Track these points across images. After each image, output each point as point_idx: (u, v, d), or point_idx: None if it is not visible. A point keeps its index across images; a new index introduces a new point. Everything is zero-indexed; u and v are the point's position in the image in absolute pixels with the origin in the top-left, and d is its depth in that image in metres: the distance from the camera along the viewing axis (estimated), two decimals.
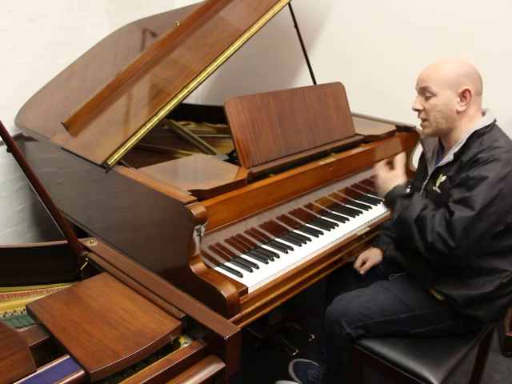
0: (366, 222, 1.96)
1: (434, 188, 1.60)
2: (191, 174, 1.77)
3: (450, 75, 1.49)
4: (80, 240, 1.22)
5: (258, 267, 1.59)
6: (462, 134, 1.53)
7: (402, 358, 1.51)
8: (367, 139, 2.23)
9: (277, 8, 2.01)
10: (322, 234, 1.84)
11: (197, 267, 1.47)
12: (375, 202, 2.15)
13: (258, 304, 1.50)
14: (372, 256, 1.83)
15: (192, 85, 1.80)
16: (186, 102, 1.96)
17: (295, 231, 1.86)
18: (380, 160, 2.23)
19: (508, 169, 1.41)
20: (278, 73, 3.10)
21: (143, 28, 2.52)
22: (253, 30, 1.93)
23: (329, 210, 2.02)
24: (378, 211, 2.07)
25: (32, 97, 2.52)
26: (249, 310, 1.47)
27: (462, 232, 1.40)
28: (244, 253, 1.68)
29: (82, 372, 0.85)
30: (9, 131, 1.02)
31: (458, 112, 1.52)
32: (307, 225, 1.91)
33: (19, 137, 2.45)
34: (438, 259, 1.48)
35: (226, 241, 1.62)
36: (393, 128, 2.34)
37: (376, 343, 1.56)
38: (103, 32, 2.93)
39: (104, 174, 1.73)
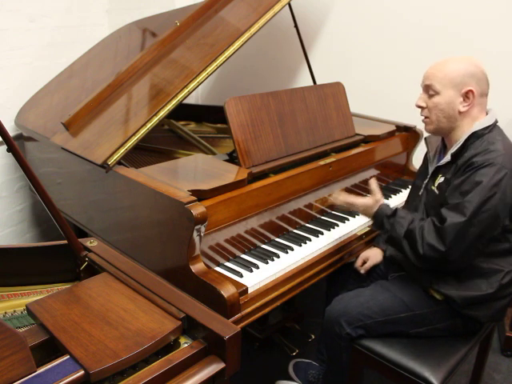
0: (366, 222, 1.96)
1: (433, 188, 1.60)
2: (191, 174, 1.77)
3: (455, 75, 1.48)
4: (80, 240, 1.22)
5: (258, 267, 1.59)
6: (463, 134, 1.53)
7: (401, 357, 1.51)
8: (367, 139, 2.23)
9: (277, 8, 2.01)
10: (322, 233, 1.84)
11: (197, 267, 1.47)
12: None
13: (258, 304, 1.50)
14: (372, 256, 1.83)
15: (192, 85, 1.81)
16: (185, 101, 1.96)
17: (295, 231, 1.86)
18: (380, 160, 2.25)
19: (502, 173, 1.40)
20: (278, 73, 3.09)
21: (143, 28, 2.52)
22: (253, 30, 1.93)
23: (329, 210, 2.02)
24: None
25: (32, 97, 2.52)
26: (249, 310, 1.47)
27: (455, 238, 1.40)
28: (244, 253, 1.68)
29: (81, 372, 0.85)
30: (9, 131, 1.02)
31: (460, 112, 1.51)
32: (307, 225, 1.91)
33: (19, 137, 2.45)
34: (435, 267, 1.51)
35: (226, 241, 1.62)
36: (393, 128, 2.34)
37: (376, 343, 1.56)
38: (103, 32, 2.93)
39: (104, 174, 1.73)
